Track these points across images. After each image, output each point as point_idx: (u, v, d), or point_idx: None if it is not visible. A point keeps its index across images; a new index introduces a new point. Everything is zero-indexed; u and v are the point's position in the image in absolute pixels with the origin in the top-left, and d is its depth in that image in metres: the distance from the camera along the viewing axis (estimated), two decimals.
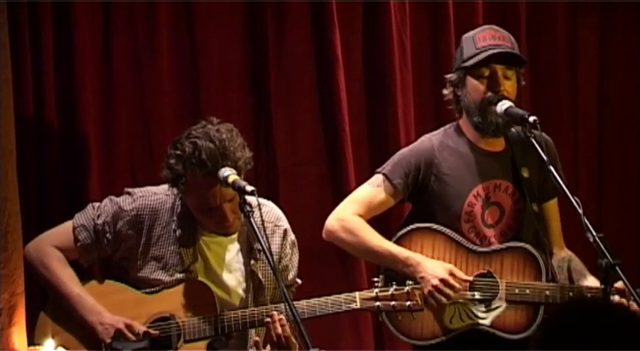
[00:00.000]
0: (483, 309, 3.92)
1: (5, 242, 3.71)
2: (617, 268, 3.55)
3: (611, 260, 3.53)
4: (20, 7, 4.26)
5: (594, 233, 3.55)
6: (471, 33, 4.01)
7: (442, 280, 3.85)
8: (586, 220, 3.56)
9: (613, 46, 5.22)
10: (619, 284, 3.70)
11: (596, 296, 3.71)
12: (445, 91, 4.04)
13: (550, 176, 3.77)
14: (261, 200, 3.71)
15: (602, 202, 5.19)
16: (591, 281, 3.98)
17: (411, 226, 3.97)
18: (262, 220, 3.64)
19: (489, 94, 3.92)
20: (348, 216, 3.99)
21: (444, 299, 3.86)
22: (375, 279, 3.94)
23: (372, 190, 4.02)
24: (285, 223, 3.98)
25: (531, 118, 3.81)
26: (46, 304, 3.89)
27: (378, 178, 4.03)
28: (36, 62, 4.34)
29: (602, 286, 3.60)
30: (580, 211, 3.58)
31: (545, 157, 3.77)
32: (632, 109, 5.20)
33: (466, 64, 3.94)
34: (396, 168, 4.00)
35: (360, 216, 3.99)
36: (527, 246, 3.95)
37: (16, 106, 3.94)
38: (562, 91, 5.18)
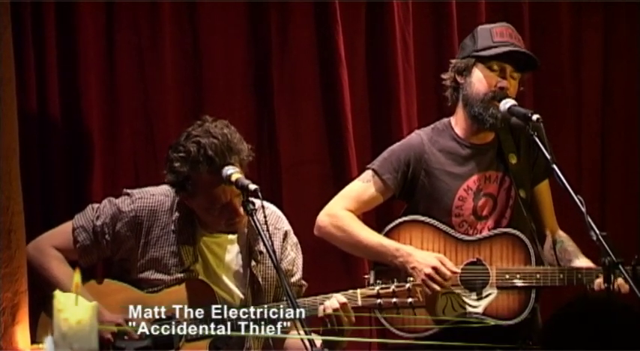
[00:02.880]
0: (475, 297, 3.94)
1: (8, 241, 3.71)
2: (621, 267, 3.55)
3: (614, 259, 3.53)
4: (24, 5, 4.27)
5: (597, 232, 3.55)
6: (487, 25, 4.05)
7: (434, 268, 3.88)
8: (589, 219, 3.56)
9: (616, 45, 5.21)
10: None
11: (600, 294, 3.74)
12: (445, 76, 4.05)
13: (553, 172, 3.77)
14: (263, 202, 3.72)
15: (605, 201, 5.19)
16: (583, 262, 4.00)
17: (399, 220, 4.01)
18: (266, 221, 3.63)
19: (496, 88, 3.94)
20: (338, 211, 4.01)
21: (437, 287, 3.88)
22: (366, 276, 3.97)
23: (361, 186, 4.05)
24: (285, 225, 3.98)
25: (534, 117, 3.81)
26: (48, 303, 3.88)
27: (367, 174, 4.06)
28: (39, 61, 4.35)
29: (606, 285, 3.62)
30: (583, 209, 3.58)
31: (549, 156, 3.77)
32: (635, 107, 5.19)
33: (481, 53, 3.96)
34: (385, 163, 4.03)
35: (351, 211, 4.02)
36: (515, 231, 3.98)
37: (20, 105, 3.94)
38: (565, 90, 5.18)
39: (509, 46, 3.96)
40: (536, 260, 3.95)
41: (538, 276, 3.91)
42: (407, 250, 3.93)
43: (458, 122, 4.05)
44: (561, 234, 4.13)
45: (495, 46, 3.97)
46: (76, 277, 2.88)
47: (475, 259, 3.96)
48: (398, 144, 4.10)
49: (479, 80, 3.98)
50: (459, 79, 4.02)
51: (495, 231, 3.99)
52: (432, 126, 4.10)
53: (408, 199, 4.06)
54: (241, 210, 3.75)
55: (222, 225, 3.83)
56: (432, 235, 3.98)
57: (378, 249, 3.95)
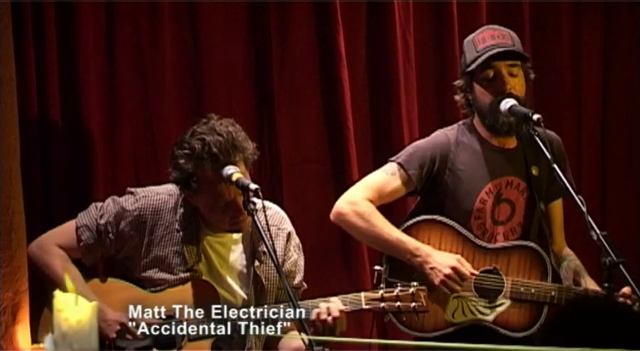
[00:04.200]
0: (487, 305, 3.94)
1: (9, 240, 3.71)
2: (621, 267, 3.55)
3: (614, 259, 3.53)
4: (24, 5, 4.26)
5: (598, 232, 3.55)
6: (470, 36, 4.00)
7: (453, 269, 3.87)
8: (590, 219, 3.56)
9: (617, 45, 5.22)
10: (626, 289, 3.72)
11: (600, 295, 3.73)
12: (457, 97, 4.03)
13: (554, 174, 3.77)
14: (265, 203, 3.73)
15: (605, 201, 5.19)
16: (589, 282, 3.99)
17: (419, 218, 3.97)
18: (267, 223, 3.63)
19: (499, 94, 3.92)
20: (360, 200, 3.95)
21: (457, 287, 3.87)
22: (377, 267, 3.94)
23: (385, 177, 3.99)
24: (288, 226, 3.97)
25: (535, 116, 3.80)
26: (49, 302, 3.88)
27: (392, 167, 4.00)
28: (40, 61, 4.35)
29: (606, 285, 3.62)
30: (584, 209, 3.58)
31: (548, 155, 3.77)
32: (635, 107, 5.19)
33: (469, 68, 3.94)
34: (412, 158, 3.98)
35: (371, 202, 3.96)
36: (535, 246, 3.95)
37: (20, 105, 3.95)
38: (566, 89, 5.18)
39: (490, 51, 3.91)
40: (552, 277, 3.94)
41: (553, 293, 3.90)
42: (426, 250, 3.90)
43: (479, 127, 4.02)
44: (568, 251, 4.11)
45: (479, 56, 3.93)
46: (68, 282, 2.89)
47: (492, 267, 3.95)
48: (424, 140, 4.05)
49: (481, 93, 3.95)
50: (467, 96, 4.00)
51: (517, 242, 3.96)
52: (456, 126, 4.05)
53: (427, 195, 4.02)
54: (244, 209, 3.75)
55: (227, 223, 3.83)
56: (450, 238, 3.95)
57: (398, 245, 3.91)
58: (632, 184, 5.20)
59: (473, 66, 3.93)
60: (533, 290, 3.90)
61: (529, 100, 4.09)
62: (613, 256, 3.53)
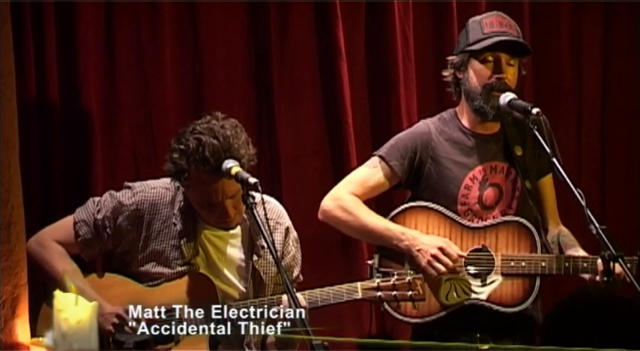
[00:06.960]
0: (479, 283, 3.96)
1: (8, 234, 3.72)
2: (621, 261, 3.55)
3: (614, 252, 3.54)
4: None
5: (597, 225, 3.55)
6: (477, 17, 4.05)
7: (440, 249, 3.89)
8: (589, 212, 3.56)
9: (616, 41, 5.22)
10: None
11: (601, 288, 3.75)
12: (445, 73, 4.06)
13: (554, 168, 3.77)
14: (264, 197, 3.72)
15: (605, 194, 5.20)
16: (583, 254, 4.00)
17: (405, 205, 4.01)
18: (266, 217, 3.63)
19: (493, 79, 3.95)
20: (344, 195, 4.01)
21: (442, 268, 3.89)
22: (369, 261, 3.97)
23: (368, 171, 4.05)
24: (287, 221, 3.97)
25: (534, 110, 3.82)
26: (49, 296, 3.88)
27: (374, 160, 4.06)
28: (39, 55, 4.35)
29: (605, 279, 3.63)
30: (583, 203, 3.58)
31: (548, 149, 3.78)
32: (635, 102, 5.20)
33: (472, 47, 3.97)
34: (393, 150, 4.03)
35: (356, 196, 4.01)
36: (521, 219, 3.99)
37: (19, 98, 3.95)
38: (566, 85, 5.19)
39: (498, 37, 3.97)
40: (542, 248, 3.96)
41: (544, 264, 3.92)
42: (413, 233, 3.94)
43: (463, 113, 4.06)
44: (563, 229, 4.13)
45: (485, 38, 3.97)
46: (69, 283, 2.89)
47: (480, 246, 3.97)
48: (405, 132, 4.11)
49: (475, 74, 3.99)
50: (458, 74, 4.04)
51: (501, 219, 4.00)
52: (438, 116, 4.11)
53: (413, 187, 4.06)
54: (231, 212, 3.76)
55: (213, 221, 3.83)
56: (437, 221, 3.98)
57: (384, 233, 3.96)
58: (632, 179, 5.20)
59: (478, 46, 3.96)
60: (523, 263, 3.93)
61: (527, 97, 4.09)
62: (612, 250, 3.54)
